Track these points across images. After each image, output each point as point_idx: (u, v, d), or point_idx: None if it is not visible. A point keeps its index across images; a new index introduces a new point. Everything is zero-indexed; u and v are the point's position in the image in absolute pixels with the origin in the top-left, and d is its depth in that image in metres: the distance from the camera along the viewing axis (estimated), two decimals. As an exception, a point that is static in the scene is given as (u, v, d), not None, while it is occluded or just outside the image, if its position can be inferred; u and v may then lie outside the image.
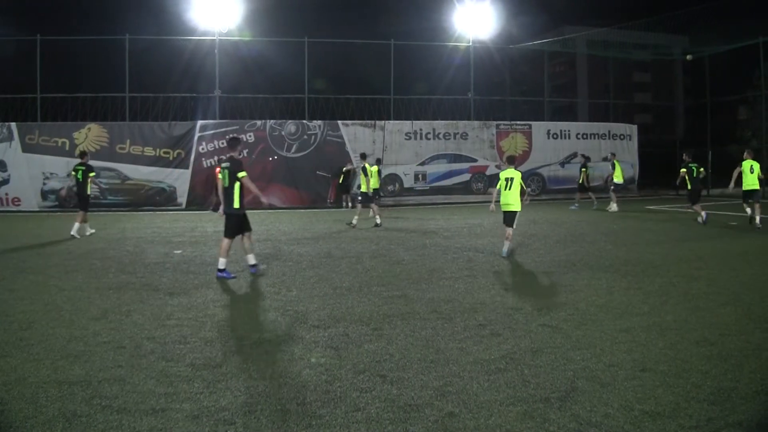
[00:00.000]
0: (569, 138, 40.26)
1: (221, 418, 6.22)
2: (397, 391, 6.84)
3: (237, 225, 14.14)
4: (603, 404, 6.37)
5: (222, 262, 13.85)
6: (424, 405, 6.45)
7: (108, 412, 6.41)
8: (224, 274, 13.68)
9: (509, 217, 16.70)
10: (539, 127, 39.83)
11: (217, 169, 32.25)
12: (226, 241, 14.04)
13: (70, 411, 6.42)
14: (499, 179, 16.72)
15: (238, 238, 14.19)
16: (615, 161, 32.03)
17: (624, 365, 7.56)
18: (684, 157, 25.59)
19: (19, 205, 33.23)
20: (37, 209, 32.76)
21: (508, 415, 6.18)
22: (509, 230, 16.67)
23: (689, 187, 24.55)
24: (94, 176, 22.36)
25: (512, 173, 16.60)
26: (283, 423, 6.13)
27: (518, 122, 39.67)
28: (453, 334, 9.04)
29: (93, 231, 22.19)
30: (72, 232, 21.25)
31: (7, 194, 33.34)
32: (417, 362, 7.79)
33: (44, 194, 33.79)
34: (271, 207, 30.62)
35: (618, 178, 31.09)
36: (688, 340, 8.52)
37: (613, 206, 30.23)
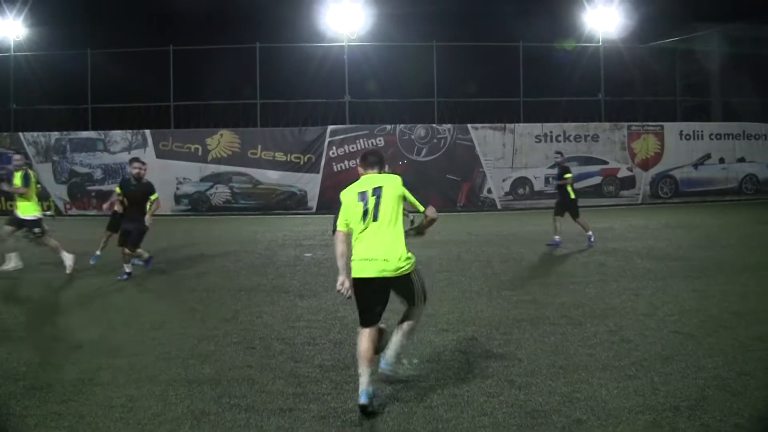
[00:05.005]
0: (702, 139, 39.03)
1: (348, 420, 6.31)
2: (525, 397, 6.80)
3: None
4: (734, 414, 6.20)
5: None
6: (551, 411, 6.40)
7: (236, 410, 6.58)
8: None
9: None
10: (671, 128, 38.74)
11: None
12: None
13: (199, 409, 6.62)
14: None
15: None
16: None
17: (756, 374, 7.33)
18: None
19: (152, 209, 34.24)
20: (170, 213, 33.56)
21: (637, 423, 6.08)
22: None
23: None
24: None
25: None
26: (409, 425, 6.16)
27: (650, 123, 38.76)
28: (583, 339, 8.93)
29: None
30: None
31: (141, 198, 34.43)
32: (545, 368, 7.73)
33: (177, 199, 34.71)
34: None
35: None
36: (826, 349, 8.29)
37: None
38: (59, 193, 34.66)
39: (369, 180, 7.09)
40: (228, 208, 34.41)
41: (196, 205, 34.58)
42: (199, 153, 34.55)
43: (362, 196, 6.93)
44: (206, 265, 16.85)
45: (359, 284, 6.86)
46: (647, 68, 41.24)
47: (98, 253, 16.66)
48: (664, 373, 7.45)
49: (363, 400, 6.37)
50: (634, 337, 8.99)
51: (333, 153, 34.71)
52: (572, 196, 19.25)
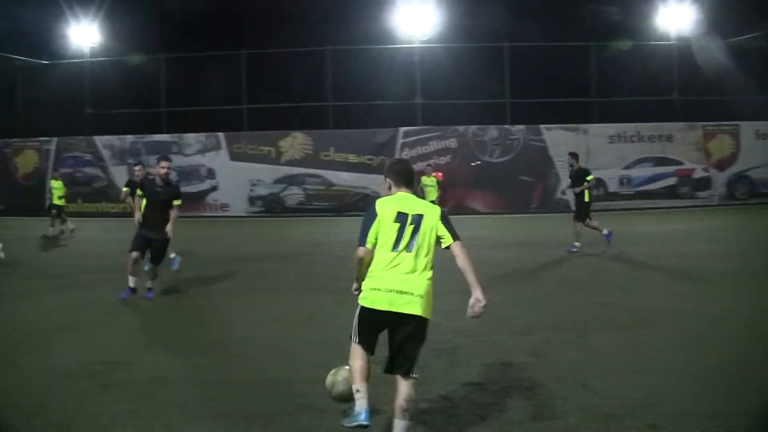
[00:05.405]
0: (779, 137, 38.39)
1: (421, 420, 6.29)
2: (599, 401, 6.73)
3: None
4: (811, 422, 6.10)
5: None
6: (625, 415, 6.33)
7: (309, 411, 6.60)
8: None
9: None
10: (747, 127, 38.05)
11: None
12: None
13: (272, 409, 6.67)
14: None
15: None
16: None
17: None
18: None
19: (227, 210, 34.76)
20: (245, 215, 34.13)
21: (710, 429, 6.00)
22: None
23: None
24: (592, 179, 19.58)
25: None
26: (483, 428, 6.16)
27: (725, 123, 38.09)
28: (656, 343, 8.82)
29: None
30: None
31: (216, 200, 35.08)
32: (620, 372, 7.64)
33: (252, 200, 35.24)
34: (474, 212, 30.84)
35: None
36: None
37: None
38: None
39: (409, 201, 5.98)
40: (301, 210, 34.68)
41: (270, 206, 34.95)
42: (273, 155, 34.93)
43: (401, 217, 5.87)
44: (281, 265, 17.05)
45: (372, 314, 5.76)
46: (722, 66, 40.51)
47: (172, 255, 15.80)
48: (739, 379, 7.32)
49: (364, 420, 5.62)
50: (708, 341, 8.85)
51: (406, 154, 34.72)
52: (586, 199, 18.65)
